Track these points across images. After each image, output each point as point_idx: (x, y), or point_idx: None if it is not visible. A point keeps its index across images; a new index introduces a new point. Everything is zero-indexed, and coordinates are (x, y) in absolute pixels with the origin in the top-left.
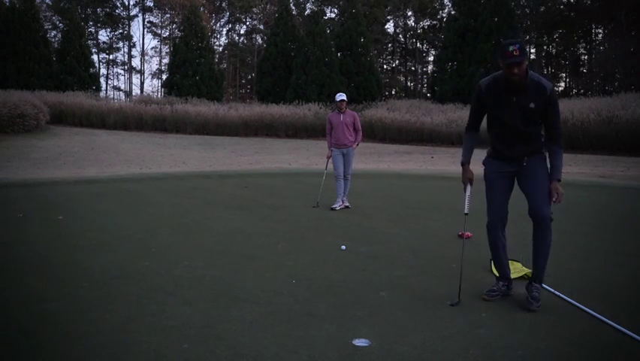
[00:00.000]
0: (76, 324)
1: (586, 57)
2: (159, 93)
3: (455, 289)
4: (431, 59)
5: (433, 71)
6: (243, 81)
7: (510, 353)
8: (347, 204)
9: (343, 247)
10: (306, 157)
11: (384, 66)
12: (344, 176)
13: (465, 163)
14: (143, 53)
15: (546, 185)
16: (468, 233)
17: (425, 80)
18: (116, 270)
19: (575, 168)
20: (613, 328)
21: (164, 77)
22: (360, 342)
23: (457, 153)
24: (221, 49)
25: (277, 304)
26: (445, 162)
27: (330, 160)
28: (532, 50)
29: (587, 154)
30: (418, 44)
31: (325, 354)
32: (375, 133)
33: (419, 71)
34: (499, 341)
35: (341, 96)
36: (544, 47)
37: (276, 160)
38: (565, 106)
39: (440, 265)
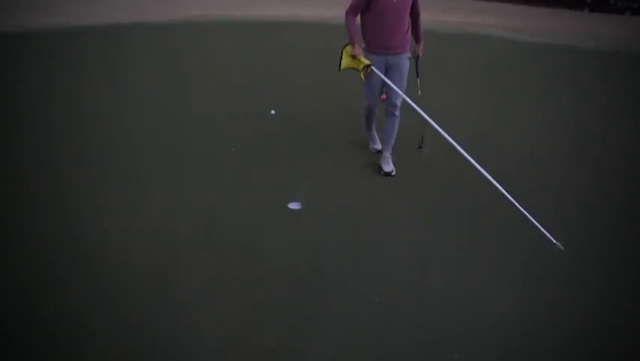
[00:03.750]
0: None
1: None
2: None
3: (371, 156)
4: None
5: None
6: None
7: (410, 218)
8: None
9: (273, 111)
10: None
11: None
12: (390, 107)
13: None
14: None
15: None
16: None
17: None
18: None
19: (491, 18)
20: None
21: None
22: (293, 205)
23: None
24: None
25: (220, 172)
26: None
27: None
28: None
29: (505, 2)
30: None
31: (268, 215)
32: None
33: None
34: (403, 194)
35: None
36: None
37: (193, 2)
38: None
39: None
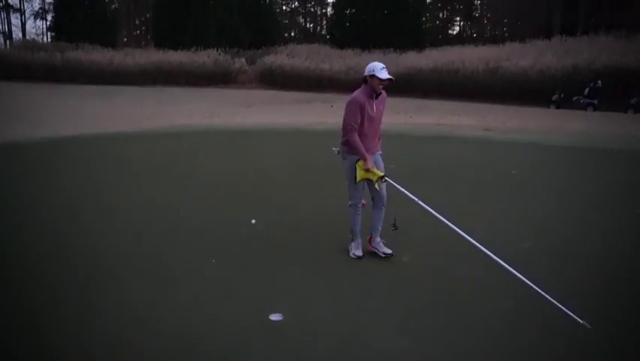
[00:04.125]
0: (19, 321)
1: (479, 1)
2: (45, 37)
3: (350, 258)
4: (331, 0)
5: (332, 15)
6: (137, 22)
7: (396, 318)
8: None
9: (253, 220)
10: (207, 107)
11: (284, 7)
12: (379, 202)
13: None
14: None
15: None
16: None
17: (325, 22)
18: (46, 257)
19: (465, 118)
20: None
21: (49, 17)
22: (275, 317)
23: None
24: None
25: (202, 285)
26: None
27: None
28: None
29: (477, 102)
30: None
31: (250, 330)
32: (276, 80)
33: (319, 12)
34: (387, 304)
35: (385, 71)
36: None
37: (178, 112)
38: (457, 55)
39: (334, 234)
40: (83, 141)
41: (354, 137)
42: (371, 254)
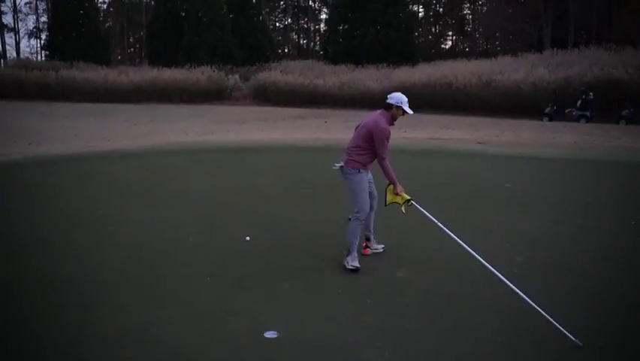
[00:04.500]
0: (12, 338)
1: (471, 16)
2: (39, 56)
3: (347, 275)
4: (324, 16)
5: (325, 31)
6: (131, 40)
7: (391, 335)
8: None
9: (247, 237)
10: (202, 124)
11: (277, 24)
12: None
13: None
14: (15, 10)
15: None
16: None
17: (318, 38)
18: (39, 279)
19: (459, 132)
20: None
21: (43, 36)
22: (270, 334)
23: (350, 115)
24: (105, 6)
25: (198, 303)
26: (339, 127)
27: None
28: (421, 9)
29: (470, 116)
30: (310, 1)
31: (245, 347)
32: (270, 96)
33: (312, 28)
34: (379, 323)
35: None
36: (432, 7)
37: (173, 130)
38: (449, 69)
39: (332, 251)
40: (77, 160)
41: (386, 166)
42: (365, 268)
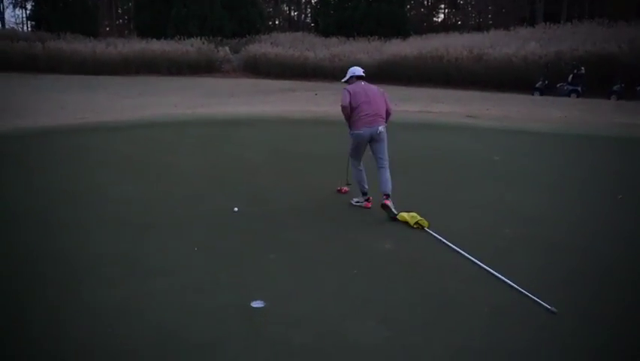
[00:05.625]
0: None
1: None
2: (25, 26)
3: (335, 247)
4: None
5: (317, 3)
6: (120, 11)
7: (370, 306)
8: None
9: (236, 208)
10: (191, 97)
11: None
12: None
13: None
14: None
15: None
16: (346, 188)
17: (309, 10)
18: (22, 253)
19: (449, 106)
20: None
21: (28, 6)
22: (256, 304)
23: (340, 88)
24: None
25: (184, 276)
26: (329, 100)
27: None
28: None
29: (461, 90)
30: None
31: (231, 317)
32: (260, 69)
33: (302, 0)
34: (364, 296)
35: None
36: None
37: (162, 103)
38: (441, 42)
39: (320, 224)
40: (63, 133)
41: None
42: (352, 241)
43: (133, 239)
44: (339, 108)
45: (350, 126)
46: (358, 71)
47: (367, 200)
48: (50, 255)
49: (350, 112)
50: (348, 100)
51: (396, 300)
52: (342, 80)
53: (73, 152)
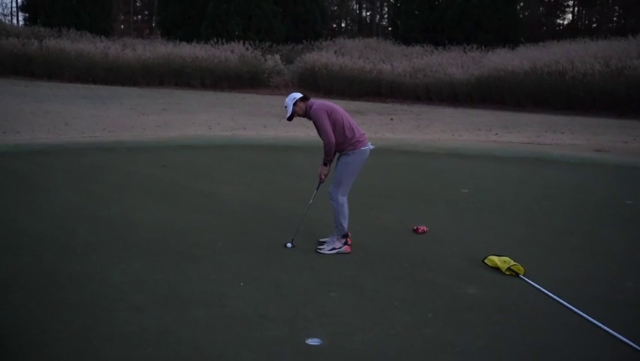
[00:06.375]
0: (28, 336)
1: None
2: (15, 19)
3: (406, 288)
4: None
5: (396, 1)
6: (139, 4)
7: (449, 350)
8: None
9: (289, 244)
10: (231, 117)
11: None
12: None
13: None
14: None
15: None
16: (424, 227)
17: (386, 10)
18: (44, 276)
19: (570, 136)
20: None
21: None
22: (313, 341)
23: (423, 112)
24: None
25: (229, 307)
26: (408, 126)
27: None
28: None
29: (588, 116)
30: None
31: (282, 352)
32: (320, 84)
33: None
34: (440, 339)
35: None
36: None
37: (192, 121)
38: (564, 52)
39: (390, 263)
40: (71, 151)
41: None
42: (432, 283)
43: (169, 268)
44: (418, 136)
45: (353, 145)
46: (298, 94)
47: (347, 243)
48: (71, 278)
49: (342, 130)
50: (328, 122)
51: (478, 346)
52: (287, 116)
53: (86, 173)
